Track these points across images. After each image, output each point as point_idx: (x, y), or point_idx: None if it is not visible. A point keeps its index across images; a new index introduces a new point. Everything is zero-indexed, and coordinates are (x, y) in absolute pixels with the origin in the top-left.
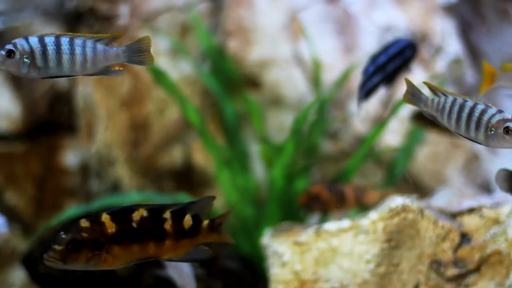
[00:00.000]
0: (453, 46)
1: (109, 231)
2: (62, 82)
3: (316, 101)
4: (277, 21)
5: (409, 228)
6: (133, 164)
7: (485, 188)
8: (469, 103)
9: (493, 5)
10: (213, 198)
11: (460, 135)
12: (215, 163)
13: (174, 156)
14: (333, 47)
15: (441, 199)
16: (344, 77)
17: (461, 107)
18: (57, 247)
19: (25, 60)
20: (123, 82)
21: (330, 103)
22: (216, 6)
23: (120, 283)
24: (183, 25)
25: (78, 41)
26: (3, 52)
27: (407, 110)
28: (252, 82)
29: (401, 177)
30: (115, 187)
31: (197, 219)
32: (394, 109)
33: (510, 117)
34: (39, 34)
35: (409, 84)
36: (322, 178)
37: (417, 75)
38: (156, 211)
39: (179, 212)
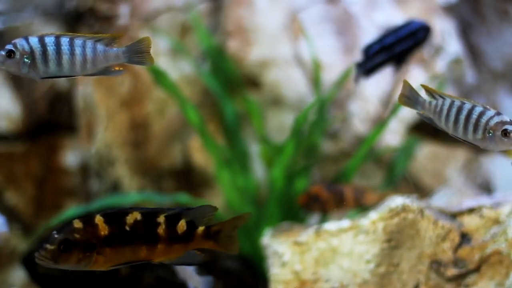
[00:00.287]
0: (453, 46)
1: (102, 233)
2: (62, 82)
3: (316, 101)
4: (277, 21)
5: (409, 228)
6: (133, 164)
7: (485, 188)
8: (467, 105)
9: (493, 5)
10: (215, 208)
11: (458, 137)
12: (215, 163)
13: (174, 156)
14: (333, 47)
15: (441, 199)
16: (344, 77)
17: (459, 110)
18: (49, 246)
19: (25, 60)
20: (123, 82)
21: (330, 103)
22: (216, 6)
23: (120, 283)
24: (183, 25)
25: (78, 42)
26: (3, 52)
27: (407, 110)
28: (252, 82)
29: (401, 177)
30: (115, 187)
31: (192, 225)
32: (394, 109)
33: (508, 120)
34: (39, 34)
35: (406, 86)
36: (322, 178)
37: (417, 75)
38: (150, 215)
39: (173, 217)
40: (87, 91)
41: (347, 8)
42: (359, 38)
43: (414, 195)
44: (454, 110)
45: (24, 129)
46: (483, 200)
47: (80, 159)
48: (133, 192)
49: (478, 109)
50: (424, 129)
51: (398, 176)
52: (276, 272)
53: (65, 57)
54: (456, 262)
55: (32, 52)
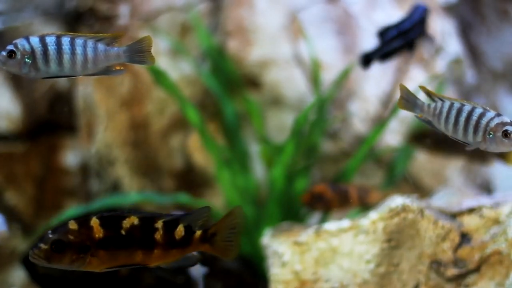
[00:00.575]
0: (453, 46)
1: (96, 236)
2: (62, 82)
3: (316, 101)
4: (277, 21)
5: (409, 228)
6: (133, 164)
7: (485, 188)
8: (467, 107)
9: (493, 5)
10: (209, 208)
11: (458, 139)
12: (215, 163)
13: (174, 156)
14: (333, 47)
15: (441, 199)
16: (343, 76)
17: (459, 111)
18: (42, 245)
19: (26, 60)
20: (123, 82)
21: (330, 103)
22: (216, 6)
23: (120, 283)
24: (183, 25)
25: (79, 41)
26: (4, 53)
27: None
28: (252, 82)
29: (401, 177)
30: (115, 187)
31: (189, 230)
32: (394, 109)
33: (508, 121)
34: (40, 34)
35: (404, 89)
36: (322, 178)
37: (417, 75)
38: (147, 220)
39: (171, 223)
40: (87, 91)
41: (347, 8)
42: (359, 38)
43: (414, 195)
44: (453, 112)
45: (24, 129)
46: (483, 200)
47: (80, 159)
48: (133, 192)
49: (478, 111)
50: (424, 139)
51: (398, 176)
52: (276, 272)
53: (66, 57)
54: (456, 262)
55: (33, 52)
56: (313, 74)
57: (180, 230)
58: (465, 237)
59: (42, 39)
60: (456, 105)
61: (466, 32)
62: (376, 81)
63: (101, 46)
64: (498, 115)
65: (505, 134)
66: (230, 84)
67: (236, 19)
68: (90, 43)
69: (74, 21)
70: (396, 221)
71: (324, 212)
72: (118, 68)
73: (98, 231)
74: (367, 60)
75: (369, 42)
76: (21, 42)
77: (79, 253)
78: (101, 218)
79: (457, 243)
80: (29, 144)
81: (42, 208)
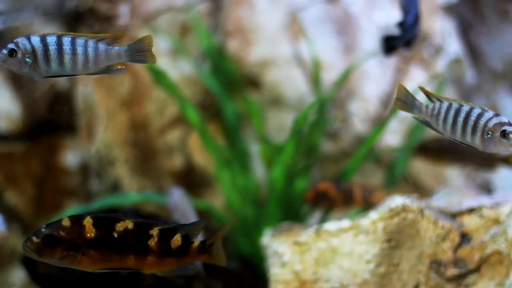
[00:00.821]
0: (453, 46)
1: (88, 235)
2: (62, 82)
3: (316, 101)
4: (277, 21)
5: (409, 228)
6: (133, 164)
7: (485, 188)
8: (465, 108)
9: (493, 5)
10: (206, 220)
11: (456, 140)
12: (215, 163)
13: (174, 156)
14: (333, 47)
15: (441, 199)
16: (344, 77)
17: (457, 112)
18: (34, 239)
19: (27, 59)
20: (123, 82)
21: (330, 103)
22: (216, 6)
23: (120, 283)
24: (183, 25)
25: (80, 41)
26: (5, 51)
27: None
28: (252, 82)
29: (401, 177)
30: (115, 187)
31: (187, 240)
32: (394, 109)
33: (507, 121)
34: (41, 34)
35: (402, 90)
36: (322, 178)
37: (417, 75)
38: (143, 226)
39: (168, 231)
40: (87, 91)
41: (347, 8)
42: (359, 38)
43: (414, 195)
44: (452, 113)
45: (24, 129)
46: (483, 200)
47: (80, 159)
48: (133, 192)
49: (476, 111)
50: (431, 150)
51: (398, 176)
52: (276, 272)
53: (67, 57)
54: (456, 262)
55: (34, 51)
56: (313, 74)
57: (177, 240)
58: (465, 237)
59: (43, 39)
60: (454, 105)
61: (466, 32)
62: (376, 81)
63: (102, 46)
64: (497, 115)
65: (504, 134)
66: (230, 84)
67: (236, 19)
68: (91, 43)
69: (74, 21)
70: (396, 221)
71: (327, 210)
72: (119, 67)
73: (89, 231)
74: (391, 47)
75: (369, 42)
76: (22, 41)
77: (69, 251)
78: (95, 218)
79: (457, 243)
80: (29, 144)
81: (42, 208)
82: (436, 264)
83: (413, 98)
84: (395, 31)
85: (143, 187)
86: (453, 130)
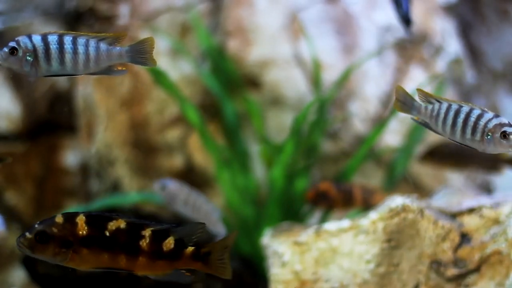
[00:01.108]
0: (453, 46)
1: (80, 233)
2: (62, 82)
3: (315, 100)
4: (277, 21)
5: (409, 228)
6: (133, 164)
7: (485, 188)
8: (465, 109)
9: (493, 5)
10: (203, 225)
11: (455, 141)
12: (215, 163)
13: (174, 156)
14: (333, 47)
15: (441, 199)
16: (344, 77)
17: (457, 113)
18: (27, 235)
19: (28, 58)
20: (123, 82)
21: (330, 103)
22: (216, 6)
23: (120, 283)
24: (183, 25)
25: (81, 40)
26: (6, 49)
27: None
28: (252, 82)
29: (401, 177)
30: (115, 187)
31: (181, 244)
32: (394, 110)
33: (507, 122)
34: (42, 33)
35: (400, 91)
36: (322, 178)
37: (417, 75)
38: (135, 226)
39: (161, 233)
40: (87, 91)
41: (347, 8)
42: (359, 38)
43: (414, 195)
44: (451, 114)
45: (24, 129)
46: (483, 200)
47: (80, 159)
48: (133, 192)
49: (476, 112)
50: (437, 156)
51: (398, 176)
52: (276, 272)
53: (68, 56)
54: (456, 262)
55: (34, 50)
56: (313, 74)
57: (169, 242)
58: (465, 237)
59: (44, 38)
60: (454, 106)
61: (466, 32)
62: (376, 81)
63: (103, 46)
64: (496, 116)
65: (504, 135)
66: (230, 84)
67: (236, 19)
68: (92, 42)
69: (74, 21)
70: (396, 221)
71: (327, 210)
72: (120, 68)
73: (81, 228)
74: (409, 20)
75: (369, 42)
76: (23, 40)
77: (61, 247)
78: (88, 216)
79: (457, 243)
80: (29, 144)
81: (42, 208)
82: (436, 264)
83: (412, 99)
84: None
85: (143, 187)
86: (453, 131)
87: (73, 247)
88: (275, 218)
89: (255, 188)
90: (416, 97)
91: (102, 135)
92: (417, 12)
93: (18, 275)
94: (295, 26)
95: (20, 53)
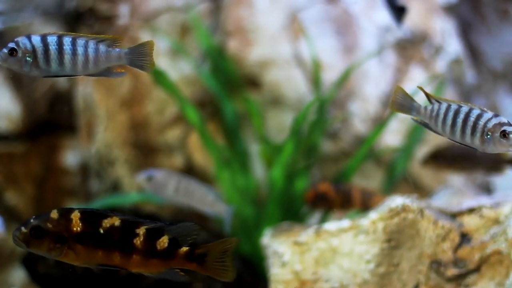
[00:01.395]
0: (453, 46)
1: (74, 229)
2: (62, 82)
3: (315, 100)
4: (277, 21)
5: (409, 228)
6: (133, 164)
7: (485, 188)
8: (464, 108)
9: (493, 5)
10: (197, 226)
11: (455, 141)
12: (215, 163)
13: (174, 156)
14: (333, 47)
15: (441, 199)
16: (344, 77)
17: (456, 113)
18: (23, 229)
19: (27, 58)
20: (123, 82)
21: (330, 103)
22: (216, 6)
23: (120, 283)
24: (183, 25)
25: (80, 41)
26: (5, 50)
27: None
28: (252, 82)
29: (401, 177)
30: (115, 187)
31: (175, 243)
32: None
33: (506, 121)
34: (42, 33)
35: (399, 91)
36: (322, 178)
37: (417, 75)
38: (129, 224)
39: (155, 231)
40: (87, 91)
41: (347, 8)
42: (359, 38)
43: (414, 195)
44: (451, 114)
45: (24, 129)
46: (483, 200)
47: (80, 159)
48: (133, 192)
49: (476, 112)
50: (441, 159)
51: (398, 176)
52: (276, 272)
53: (67, 57)
54: (456, 262)
55: (34, 50)
56: (314, 74)
57: (163, 241)
58: (465, 237)
59: (43, 38)
60: (454, 106)
61: (466, 32)
62: (376, 81)
63: (102, 47)
64: (496, 115)
65: (503, 134)
66: (230, 84)
67: (236, 19)
68: (91, 44)
69: (74, 21)
70: (396, 221)
71: (325, 212)
72: (119, 70)
73: (76, 225)
74: (403, 11)
75: (369, 42)
76: (22, 41)
77: (56, 243)
78: (82, 213)
79: (457, 243)
80: (29, 144)
81: (42, 208)
82: (436, 264)
83: (411, 99)
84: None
85: (143, 187)
86: (452, 131)
87: (67, 243)
88: (275, 218)
89: (255, 188)
90: (416, 97)
91: (102, 135)
92: (417, 12)
93: (18, 275)
94: (295, 26)
95: (20, 54)
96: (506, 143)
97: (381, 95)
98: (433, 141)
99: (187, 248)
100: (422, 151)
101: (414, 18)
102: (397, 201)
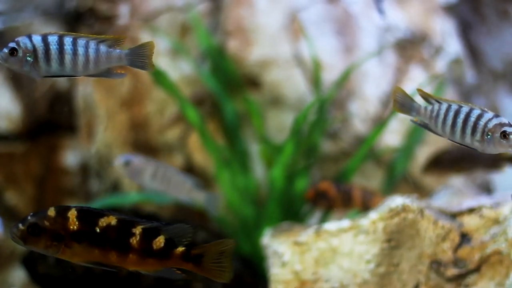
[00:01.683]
0: (453, 46)
1: (70, 227)
2: (62, 82)
3: (316, 101)
4: (277, 21)
5: (409, 228)
6: None
7: (485, 188)
8: (465, 109)
9: (493, 5)
10: (192, 227)
11: (455, 141)
12: (215, 163)
13: (174, 156)
14: (333, 47)
15: (441, 199)
16: (344, 77)
17: (457, 113)
18: (20, 226)
19: (28, 58)
20: (123, 82)
21: (330, 103)
22: (216, 6)
23: (120, 283)
24: (183, 25)
25: (81, 41)
26: (6, 50)
27: None
28: (252, 82)
29: (401, 177)
30: (115, 187)
31: (171, 243)
32: (394, 110)
33: (507, 122)
34: (43, 33)
35: (399, 92)
36: (322, 178)
37: (417, 75)
38: (126, 223)
39: (151, 231)
40: (87, 91)
41: (347, 8)
42: (359, 38)
43: (414, 195)
44: (451, 114)
45: (24, 129)
46: (483, 200)
47: (80, 159)
48: (133, 192)
49: (476, 112)
50: (442, 165)
51: (398, 176)
52: (276, 272)
53: (68, 57)
54: (456, 262)
55: (34, 50)
56: (314, 74)
57: (159, 241)
58: (465, 237)
59: (44, 38)
60: (454, 107)
61: (466, 32)
62: (376, 81)
63: (103, 48)
64: (496, 116)
65: (504, 135)
66: (230, 84)
67: (236, 19)
68: (92, 44)
69: (74, 21)
70: (396, 221)
71: (326, 211)
72: (119, 71)
73: (72, 223)
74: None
75: (369, 42)
76: (23, 40)
77: (52, 240)
78: (80, 211)
79: (457, 243)
80: (29, 144)
81: (42, 208)
82: (436, 264)
83: (411, 100)
84: None
85: (143, 187)
86: (453, 132)
87: (64, 241)
88: (275, 218)
89: (255, 188)
90: (416, 98)
91: (102, 135)
92: (417, 12)
93: (18, 275)
94: (295, 26)
95: (20, 54)
96: (506, 144)
97: (381, 95)
98: (433, 141)
99: (183, 248)
100: (422, 151)
101: (414, 18)
102: (397, 201)
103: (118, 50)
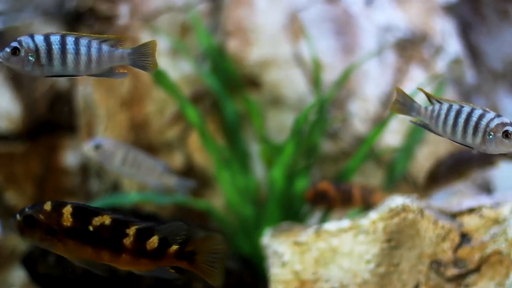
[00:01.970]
0: (453, 46)
1: (64, 223)
2: (62, 82)
3: (316, 102)
4: (277, 21)
5: (409, 228)
6: None
7: (485, 188)
8: (466, 109)
9: (493, 5)
10: (186, 226)
11: (456, 142)
12: (215, 163)
13: (174, 156)
14: (333, 47)
15: (441, 199)
16: (344, 77)
17: (458, 113)
18: (17, 216)
19: (30, 58)
20: (123, 82)
21: (330, 103)
22: (216, 6)
23: (120, 283)
24: (183, 25)
25: (83, 41)
26: (8, 49)
27: None
28: (252, 82)
29: (401, 177)
30: (115, 187)
31: (165, 243)
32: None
33: (509, 121)
34: (45, 33)
35: (399, 92)
36: (322, 178)
37: (417, 75)
38: (120, 223)
39: (145, 231)
40: (87, 91)
41: (347, 8)
42: (359, 38)
43: (414, 195)
44: (452, 114)
45: (24, 129)
46: (483, 200)
47: (80, 159)
48: (133, 192)
49: (478, 112)
50: (437, 177)
51: (398, 176)
52: (276, 272)
53: (70, 56)
54: (456, 262)
55: (37, 50)
56: (313, 74)
57: (153, 241)
58: (465, 237)
59: (46, 38)
60: (455, 106)
61: (466, 32)
62: (376, 81)
63: (105, 47)
64: (498, 116)
65: (506, 134)
66: (230, 84)
67: (236, 19)
68: (94, 44)
69: (74, 21)
70: (396, 221)
71: (326, 210)
72: (121, 71)
73: (66, 220)
74: None
75: (369, 42)
76: (25, 40)
77: (46, 234)
78: (75, 208)
79: (457, 243)
80: (29, 144)
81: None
82: (436, 264)
83: (411, 100)
84: None
85: (143, 187)
86: (454, 132)
87: (57, 236)
88: (275, 218)
89: (255, 188)
90: (416, 98)
91: (102, 135)
92: (417, 12)
93: (18, 275)
94: (295, 26)
95: (22, 53)
96: (508, 143)
97: (381, 95)
98: (433, 141)
99: (177, 246)
100: (422, 151)
101: (414, 18)
102: (397, 201)
103: (120, 50)
